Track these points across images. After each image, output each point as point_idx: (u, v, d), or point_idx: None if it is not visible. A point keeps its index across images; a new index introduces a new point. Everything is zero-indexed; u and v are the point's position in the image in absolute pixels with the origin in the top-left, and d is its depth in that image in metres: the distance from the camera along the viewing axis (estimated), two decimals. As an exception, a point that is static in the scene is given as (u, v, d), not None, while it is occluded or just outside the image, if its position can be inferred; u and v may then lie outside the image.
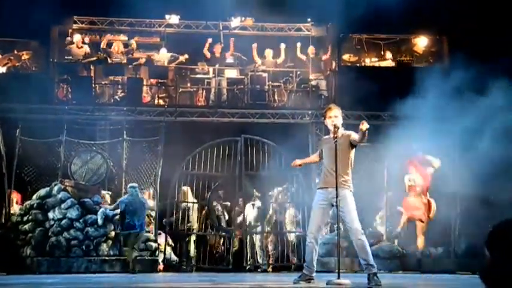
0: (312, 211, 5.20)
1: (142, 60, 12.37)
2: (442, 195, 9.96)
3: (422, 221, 10.17)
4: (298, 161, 5.34)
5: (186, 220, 10.63)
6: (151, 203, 10.60)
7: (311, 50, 12.47)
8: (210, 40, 12.47)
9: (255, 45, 12.45)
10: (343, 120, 5.33)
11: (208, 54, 12.41)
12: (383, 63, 12.62)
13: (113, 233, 10.01)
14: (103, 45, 12.29)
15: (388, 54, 12.78)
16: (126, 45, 12.48)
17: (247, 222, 10.75)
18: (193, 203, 10.87)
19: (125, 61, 12.08)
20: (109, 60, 12.03)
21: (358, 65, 12.87)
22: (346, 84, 11.59)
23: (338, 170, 4.92)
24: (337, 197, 4.95)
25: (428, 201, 10.17)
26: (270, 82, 12.44)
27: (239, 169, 10.75)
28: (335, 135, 5.06)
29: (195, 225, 10.83)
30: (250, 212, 10.94)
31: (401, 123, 9.62)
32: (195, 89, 12.44)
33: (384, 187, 10.64)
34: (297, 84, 12.41)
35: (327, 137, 5.37)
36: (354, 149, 5.13)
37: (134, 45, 12.43)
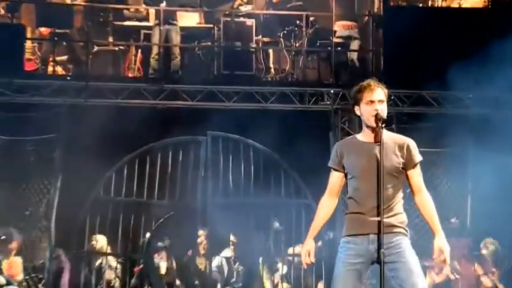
0: (336, 278, 5.10)
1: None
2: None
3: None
4: (306, 251, 5.18)
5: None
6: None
7: (336, -23, 12.15)
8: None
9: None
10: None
11: (147, -16, 12.49)
12: (466, 2, 12.19)
13: None
14: None
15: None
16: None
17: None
18: (115, 256, 10.91)
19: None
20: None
21: (421, 4, 12.63)
22: (398, 41, 11.16)
23: (382, 199, 4.82)
24: (380, 248, 4.84)
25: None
26: (261, 36, 12.27)
27: (202, 194, 10.98)
28: (377, 137, 4.96)
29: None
30: (222, 272, 11.18)
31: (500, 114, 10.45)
32: (122, 49, 12.27)
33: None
34: (309, 40, 12.19)
35: (357, 138, 5.18)
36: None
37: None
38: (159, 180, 10.79)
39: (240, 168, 10.84)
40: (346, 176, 5.14)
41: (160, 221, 10.87)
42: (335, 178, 5.16)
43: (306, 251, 5.16)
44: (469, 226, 11.30)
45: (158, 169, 10.77)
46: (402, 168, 5.01)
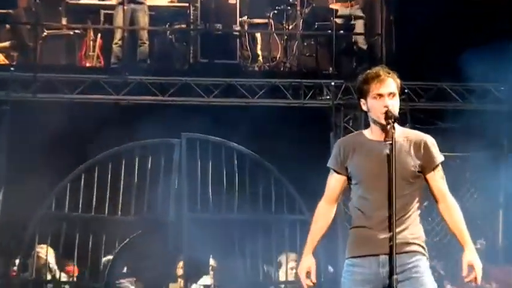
0: None
1: None
2: None
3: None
4: (306, 270, 5.13)
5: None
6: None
7: None
8: None
9: None
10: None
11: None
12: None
13: None
14: None
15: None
16: None
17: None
18: (69, 285, 10.95)
19: None
20: None
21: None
22: (413, 22, 11.15)
23: (396, 212, 4.82)
24: (392, 272, 4.77)
25: None
26: (246, 17, 12.22)
27: (176, 208, 10.89)
28: (388, 136, 4.90)
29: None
30: (200, 304, 11.40)
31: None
32: (78, 33, 12.12)
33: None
34: (305, 22, 12.18)
35: (364, 134, 5.15)
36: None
37: None
38: (124, 192, 10.77)
39: (221, 177, 10.83)
40: (348, 180, 5.15)
41: (126, 241, 10.80)
42: (335, 181, 5.16)
43: (305, 270, 5.15)
44: (501, 248, 11.22)
45: (122, 178, 10.73)
46: (419, 171, 5.01)
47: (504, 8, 11.36)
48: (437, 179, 5.04)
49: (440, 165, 5.07)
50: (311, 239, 5.22)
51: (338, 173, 5.13)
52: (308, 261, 5.18)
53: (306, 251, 5.22)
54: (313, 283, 5.18)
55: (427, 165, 4.98)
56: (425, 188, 5.09)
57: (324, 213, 5.21)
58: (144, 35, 11.86)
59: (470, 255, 4.97)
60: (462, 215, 5.05)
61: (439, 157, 5.02)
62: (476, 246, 10.55)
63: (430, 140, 5.06)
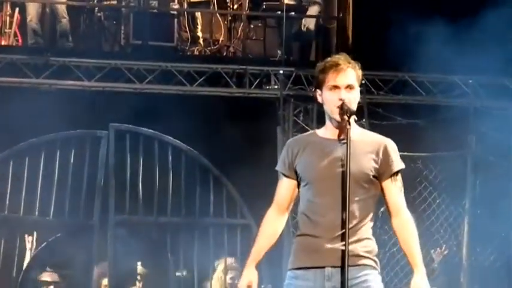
0: None
1: None
2: None
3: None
4: (247, 284, 4.96)
5: None
6: None
7: None
8: None
9: None
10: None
11: None
12: None
13: None
14: None
15: None
16: None
17: None
18: None
19: None
20: None
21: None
22: (373, 5, 11.28)
23: (348, 218, 4.86)
24: (342, 286, 4.79)
25: None
26: None
27: (101, 208, 10.79)
28: (342, 133, 4.92)
29: None
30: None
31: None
32: None
33: None
34: (252, 1, 12.05)
35: (317, 134, 5.11)
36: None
37: None
38: (42, 189, 10.41)
39: (154, 175, 10.58)
40: (299, 184, 5.06)
41: (43, 244, 10.58)
42: (285, 187, 5.02)
43: (246, 283, 4.97)
44: (465, 257, 11.02)
45: (41, 173, 10.37)
46: (374, 176, 4.87)
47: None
48: (394, 190, 4.96)
49: (399, 175, 4.99)
50: (256, 251, 5.06)
51: (287, 176, 5.00)
52: (249, 276, 5.00)
53: (249, 263, 5.03)
54: None
55: (384, 170, 4.89)
56: (380, 198, 4.95)
57: (272, 222, 5.08)
58: (63, 9, 11.35)
59: (419, 280, 4.88)
60: (416, 233, 5.00)
61: (398, 164, 4.92)
62: (436, 252, 10.64)
63: (391, 145, 4.94)
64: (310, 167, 4.92)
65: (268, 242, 5.11)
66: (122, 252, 10.58)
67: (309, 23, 11.86)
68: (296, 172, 4.99)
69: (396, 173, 4.93)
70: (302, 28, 11.93)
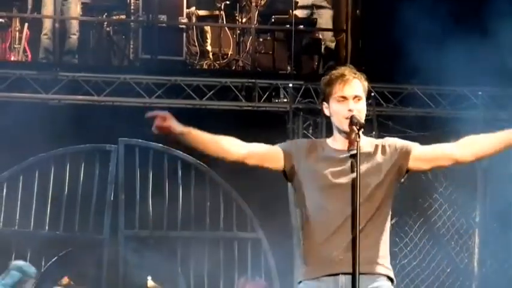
0: None
1: None
2: None
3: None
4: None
5: None
6: None
7: None
8: None
9: None
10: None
11: None
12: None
13: None
14: None
15: None
16: None
17: None
18: None
19: None
20: None
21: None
22: (382, 17, 11.19)
23: (359, 230, 4.74)
24: None
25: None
26: (194, 8, 11.95)
27: (111, 223, 10.84)
28: (352, 144, 4.85)
29: None
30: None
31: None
32: (1, 21, 11.71)
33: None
34: (261, 14, 11.94)
35: (327, 143, 5.06)
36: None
37: None
38: (52, 204, 10.52)
39: (163, 189, 10.66)
40: (295, 188, 4.98)
41: (53, 259, 10.52)
42: (268, 149, 5.02)
43: (165, 114, 4.90)
44: (476, 273, 11.07)
45: (51, 189, 10.46)
46: (395, 178, 4.87)
47: (486, 6, 11.07)
48: (428, 148, 4.95)
49: (417, 144, 4.96)
50: (197, 132, 4.92)
51: (281, 152, 4.92)
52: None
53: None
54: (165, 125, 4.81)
55: (403, 157, 4.83)
56: (394, 201, 4.90)
57: (228, 141, 4.86)
58: (75, 26, 11.43)
59: None
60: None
61: (410, 143, 4.89)
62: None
63: (391, 139, 4.94)
64: (320, 172, 4.93)
65: (208, 139, 4.96)
66: (132, 266, 10.64)
67: (328, 41, 11.87)
68: (292, 167, 4.94)
69: (413, 147, 4.91)
70: (321, 46, 11.94)
